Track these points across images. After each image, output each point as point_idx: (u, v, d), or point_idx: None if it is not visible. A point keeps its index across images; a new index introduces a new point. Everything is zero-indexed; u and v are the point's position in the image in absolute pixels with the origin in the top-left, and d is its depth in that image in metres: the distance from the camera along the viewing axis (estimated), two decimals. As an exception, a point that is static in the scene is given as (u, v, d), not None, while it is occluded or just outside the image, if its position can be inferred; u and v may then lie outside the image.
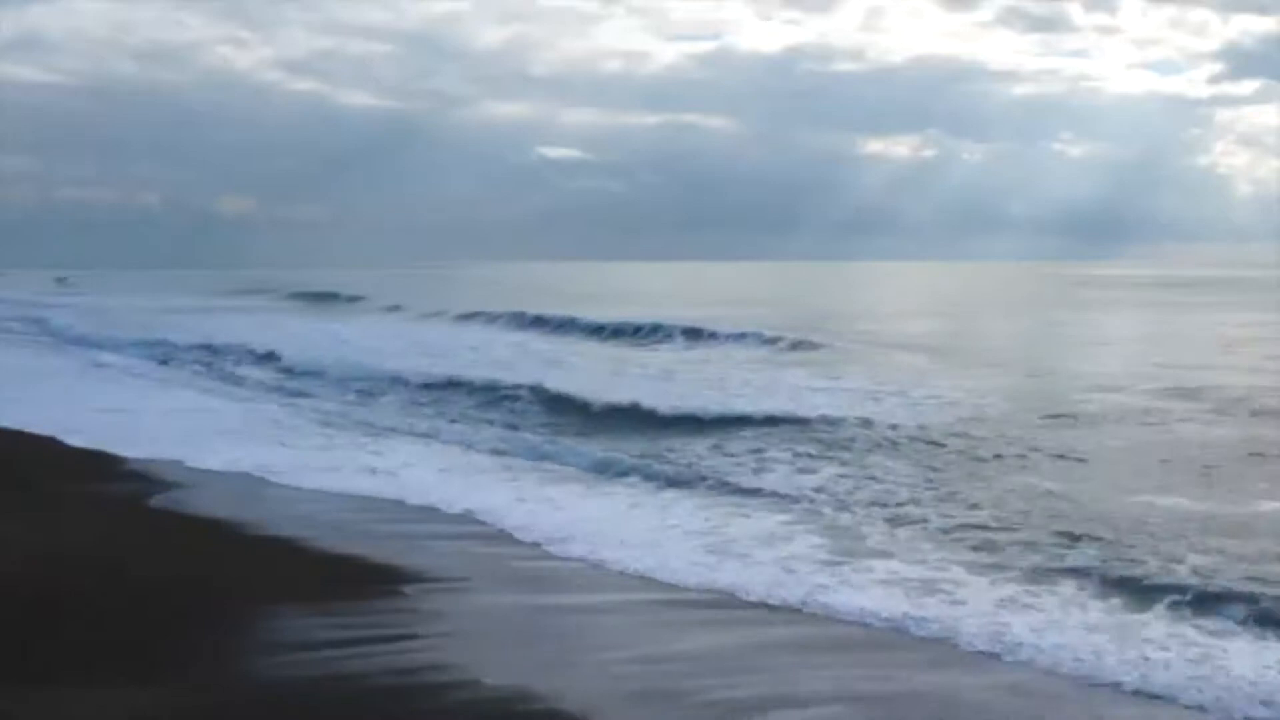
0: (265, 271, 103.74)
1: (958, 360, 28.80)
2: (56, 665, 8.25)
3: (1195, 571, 10.26)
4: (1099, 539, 11.38)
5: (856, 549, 11.61)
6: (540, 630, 9.47)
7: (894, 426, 18.21)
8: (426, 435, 18.85)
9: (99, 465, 16.18)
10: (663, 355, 31.91)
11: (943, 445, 16.74)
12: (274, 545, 11.99)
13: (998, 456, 15.94)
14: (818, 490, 13.93)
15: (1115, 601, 9.71)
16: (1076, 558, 10.79)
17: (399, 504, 13.89)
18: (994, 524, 12.15)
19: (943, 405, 20.58)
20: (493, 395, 22.32)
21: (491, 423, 19.94)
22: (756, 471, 15.14)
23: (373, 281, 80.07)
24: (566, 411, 20.39)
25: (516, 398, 21.91)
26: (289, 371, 27.17)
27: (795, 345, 32.13)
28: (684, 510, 13.56)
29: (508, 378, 24.26)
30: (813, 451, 16.33)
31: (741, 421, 18.81)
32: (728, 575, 10.75)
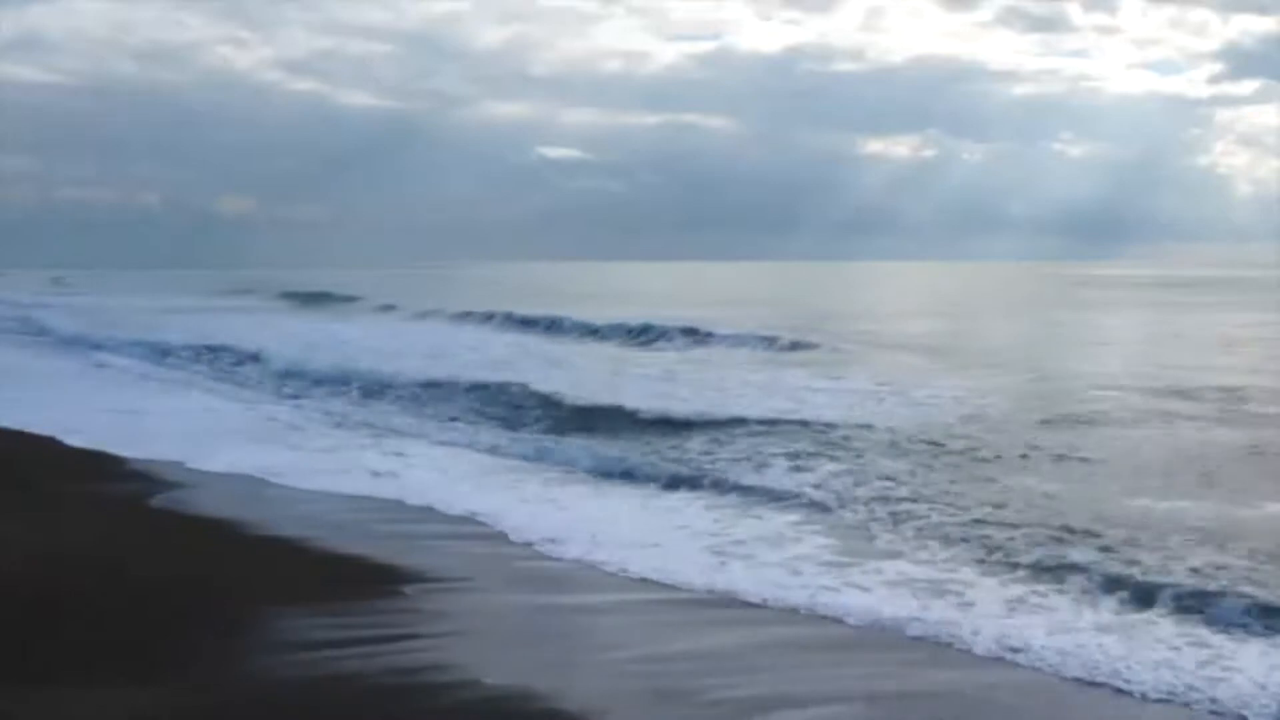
0: (265, 271, 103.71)
1: (958, 360, 28.79)
2: (56, 665, 8.24)
3: (1201, 573, 10.21)
4: (1103, 540, 11.35)
5: (860, 549, 11.60)
6: (542, 630, 9.46)
7: (895, 427, 18.19)
8: (426, 436, 18.83)
9: (99, 465, 16.17)
10: (662, 356, 31.89)
11: (944, 446, 16.72)
12: (274, 545, 11.98)
13: (999, 457, 15.91)
14: (820, 491, 13.90)
15: (1121, 603, 9.67)
16: (1080, 558, 10.75)
17: (399, 504, 13.88)
18: (997, 525, 12.13)
19: (944, 406, 20.57)
20: (493, 396, 22.29)
21: (492, 423, 19.92)
22: (758, 472, 15.12)
23: (372, 282, 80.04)
24: (566, 412, 20.37)
25: (516, 398, 21.89)
26: (286, 372, 27.10)
27: (795, 345, 32.11)
28: (686, 510, 13.55)
29: (507, 378, 24.24)
30: (814, 452, 16.30)
31: (742, 422, 18.79)
32: (732, 576, 10.73)
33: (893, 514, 12.71)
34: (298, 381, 25.65)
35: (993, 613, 9.56)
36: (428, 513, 13.46)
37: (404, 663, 8.46)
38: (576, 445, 17.27)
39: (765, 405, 20.92)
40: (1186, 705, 7.78)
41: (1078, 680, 8.20)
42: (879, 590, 10.26)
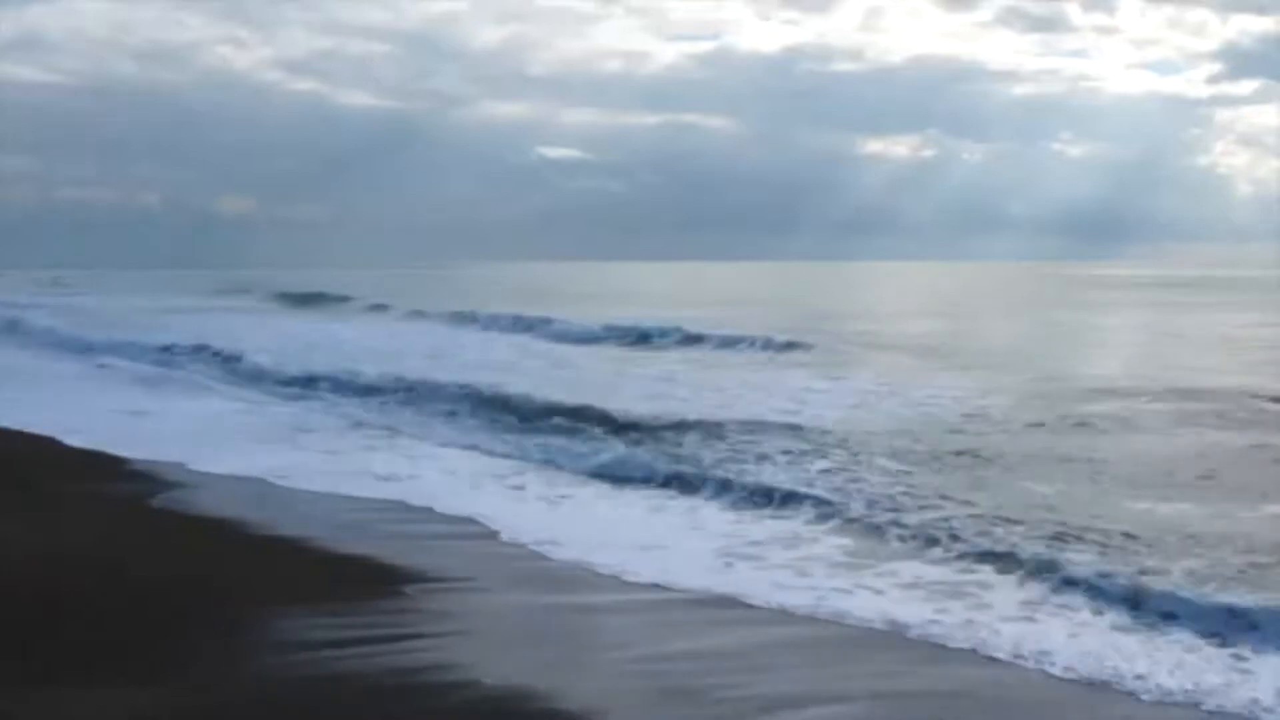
0: (265, 271, 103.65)
1: (959, 361, 28.78)
2: (56, 665, 8.24)
3: (1209, 575, 10.16)
4: (1110, 543, 11.31)
5: (862, 550, 11.60)
6: (543, 630, 9.45)
7: (895, 428, 18.20)
8: (427, 437, 18.81)
9: (99, 465, 16.16)
10: (662, 356, 31.86)
11: (944, 447, 16.71)
12: (275, 545, 11.97)
13: (1001, 458, 15.89)
14: (821, 492, 13.87)
15: (1129, 605, 9.59)
16: (1084, 561, 10.69)
17: (400, 505, 13.87)
18: (1000, 526, 12.11)
19: (945, 407, 20.56)
20: (491, 398, 22.25)
21: (491, 425, 19.89)
22: (760, 473, 15.09)
23: (371, 282, 79.90)
24: (565, 414, 20.32)
25: (515, 400, 21.84)
26: (283, 372, 27.05)
27: (796, 346, 32.05)
28: (687, 511, 13.56)
29: (507, 379, 24.24)
30: (814, 453, 16.30)
31: (742, 423, 18.78)
32: (737, 577, 10.73)
33: (895, 515, 12.68)
34: (295, 383, 25.59)
35: (1000, 614, 9.54)
36: (428, 514, 13.45)
37: (404, 663, 8.46)
38: (576, 447, 17.25)
39: (765, 406, 20.92)
40: (1196, 707, 7.75)
41: (1087, 682, 8.17)
42: (886, 592, 10.25)
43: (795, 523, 12.74)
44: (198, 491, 14.45)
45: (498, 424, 19.76)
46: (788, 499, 13.53)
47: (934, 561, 11.11)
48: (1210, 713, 7.70)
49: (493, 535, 12.43)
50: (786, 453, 16.26)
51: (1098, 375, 25.28)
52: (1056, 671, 8.36)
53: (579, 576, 10.93)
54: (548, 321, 40.77)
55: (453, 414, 20.89)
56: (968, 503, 13.16)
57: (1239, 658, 8.53)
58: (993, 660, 8.65)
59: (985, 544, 11.38)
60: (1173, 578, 10.09)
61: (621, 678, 8.33)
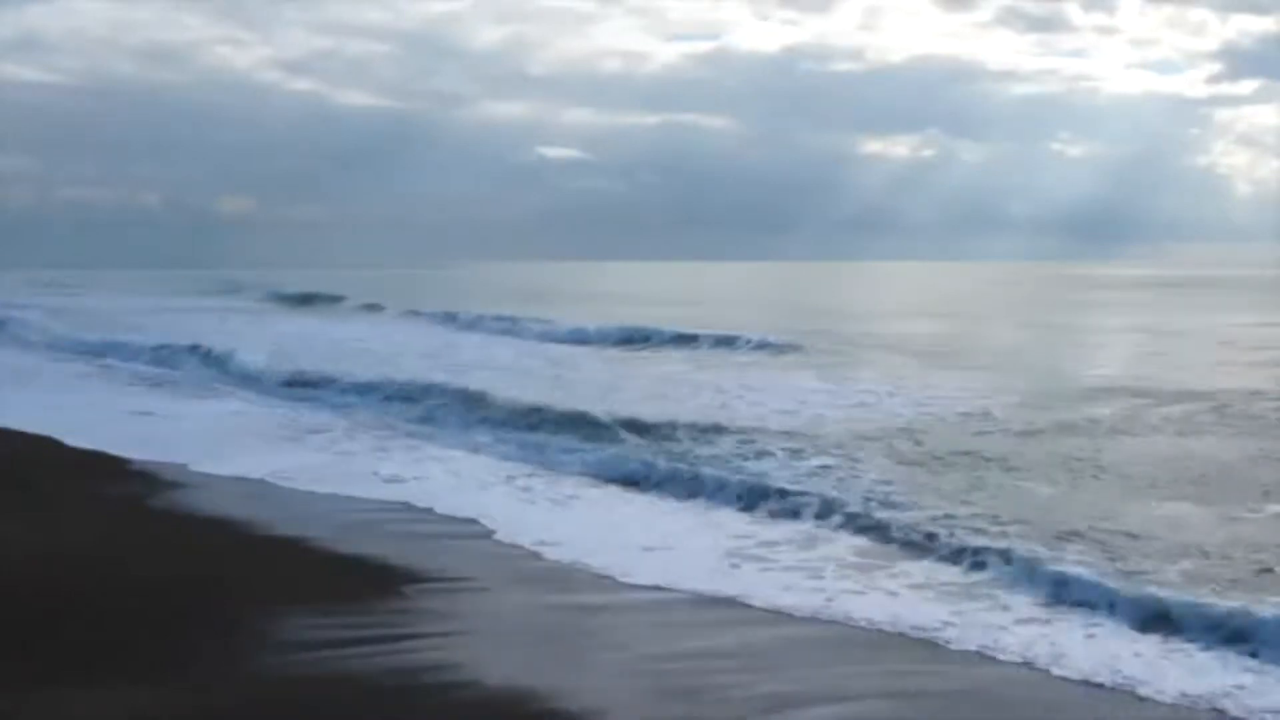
0: (264, 272, 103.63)
1: (959, 361, 28.79)
2: (56, 665, 8.24)
3: (1216, 580, 10.13)
4: (1111, 544, 11.29)
5: (864, 551, 11.61)
6: (544, 630, 9.45)
7: (895, 430, 18.19)
8: (427, 439, 18.80)
9: (99, 465, 16.16)
10: (662, 357, 31.84)
11: (946, 448, 16.71)
12: (275, 546, 11.97)
13: (1003, 460, 15.87)
14: (823, 493, 13.84)
15: (1135, 609, 9.50)
16: (1089, 563, 10.65)
17: (401, 506, 13.86)
18: (1003, 528, 12.10)
19: (945, 408, 20.54)
20: (493, 399, 22.24)
21: (491, 426, 19.87)
22: (760, 474, 15.08)
23: (370, 282, 79.91)
24: (565, 416, 20.29)
25: (514, 401, 21.82)
26: (276, 372, 27.00)
27: (795, 347, 32.04)
28: (691, 512, 13.57)
29: (507, 380, 24.23)
30: (814, 453, 16.29)
31: (743, 423, 18.79)
32: (740, 578, 10.73)
33: (895, 516, 12.66)
34: (293, 384, 25.55)
35: (1002, 616, 9.56)
36: (429, 514, 13.45)
37: (404, 663, 8.46)
38: (577, 448, 17.22)
39: (766, 407, 20.92)
40: (1205, 711, 7.71)
41: (1092, 684, 8.15)
42: (889, 593, 10.25)
43: (795, 523, 12.73)
44: (198, 492, 14.45)
45: (497, 425, 19.74)
46: (788, 500, 13.50)
47: (936, 562, 11.09)
48: (1218, 712, 7.68)
49: (493, 536, 12.43)
50: (787, 453, 16.25)
51: (1099, 376, 25.28)
52: (1063, 673, 8.34)
53: (580, 577, 10.92)
54: (546, 322, 40.73)
55: (453, 415, 20.87)
56: (970, 504, 13.15)
57: (1250, 663, 8.45)
58: (997, 661, 8.64)
59: (988, 545, 11.33)
60: (1180, 582, 10.05)
61: (622, 677, 8.33)
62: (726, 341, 33.41)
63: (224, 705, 7.68)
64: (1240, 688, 8.00)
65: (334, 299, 59.09)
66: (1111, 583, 9.97)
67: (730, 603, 10.06)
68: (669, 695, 7.96)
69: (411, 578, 10.66)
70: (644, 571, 10.90)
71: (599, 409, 20.02)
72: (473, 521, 12.98)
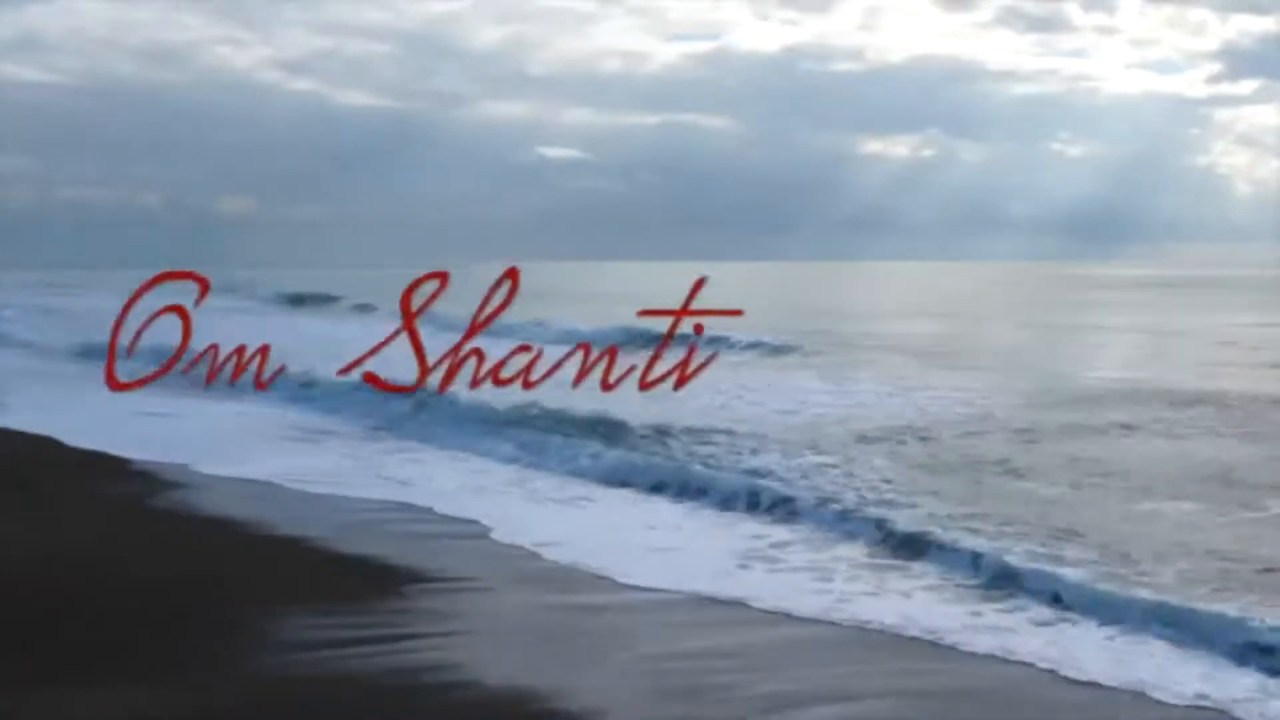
0: (263, 272, 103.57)
1: (960, 362, 28.80)
2: (56, 665, 8.23)
3: (1223, 584, 10.08)
4: (1114, 545, 11.26)
5: (864, 552, 11.59)
6: (544, 630, 9.44)
7: (895, 430, 18.17)
8: (430, 439, 18.78)
9: (100, 465, 16.16)
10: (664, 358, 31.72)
11: (946, 449, 16.71)
12: (275, 546, 11.96)
13: (1004, 461, 15.83)
14: (822, 493, 13.84)
15: (1140, 612, 9.44)
16: (1093, 565, 10.63)
17: (402, 506, 13.86)
18: (1004, 529, 12.08)
19: (946, 408, 20.53)
20: (492, 399, 22.19)
21: (492, 427, 19.84)
22: (762, 474, 15.06)
23: (368, 282, 79.70)
24: (565, 417, 20.28)
25: (513, 402, 21.79)
26: (280, 373, 26.87)
27: (795, 347, 32.04)
28: (692, 513, 13.57)
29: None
30: (813, 453, 16.28)
31: (743, 424, 18.78)
32: (743, 579, 10.71)
33: (897, 517, 12.65)
34: (293, 384, 25.47)
35: (1005, 617, 9.55)
36: (429, 514, 13.44)
37: (404, 663, 8.45)
38: (578, 450, 17.19)
39: (766, 407, 20.92)
40: (1220, 716, 7.68)
41: (1098, 686, 8.13)
42: (891, 593, 10.25)
43: (796, 524, 12.71)
44: (198, 492, 14.44)
45: (497, 425, 19.72)
46: (789, 501, 13.49)
47: (936, 563, 11.06)
48: (1232, 717, 7.64)
49: (493, 536, 12.41)
50: (787, 454, 16.23)
51: (1099, 376, 25.28)
52: (1070, 675, 8.31)
53: (580, 577, 10.91)
54: (548, 322, 40.60)
55: (453, 416, 20.84)
56: (972, 505, 13.14)
57: (1264, 668, 8.36)
58: (1002, 662, 8.63)
59: (990, 547, 11.31)
60: (1186, 584, 10.01)
61: (623, 677, 8.32)
62: (734, 342, 33.35)
63: (224, 705, 7.68)
64: (1253, 693, 7.96)
65: (328, 299, 59.01)
66: (1115, 585, 9.94)
67: (741, 605, 10.01)
68: (669, 695, 7.95)
69: (412, 578, 10.65)
70: (645, 572, 10.88)
71: (599, 409, 19.99)
72: (473, 521, 12.96)
